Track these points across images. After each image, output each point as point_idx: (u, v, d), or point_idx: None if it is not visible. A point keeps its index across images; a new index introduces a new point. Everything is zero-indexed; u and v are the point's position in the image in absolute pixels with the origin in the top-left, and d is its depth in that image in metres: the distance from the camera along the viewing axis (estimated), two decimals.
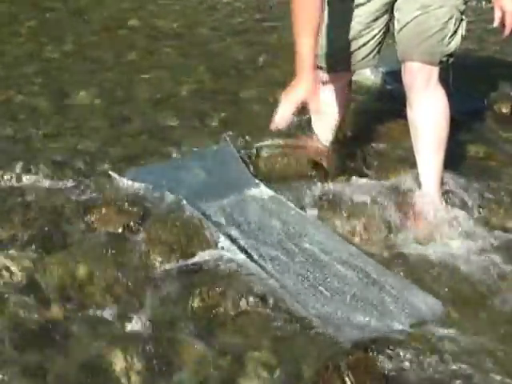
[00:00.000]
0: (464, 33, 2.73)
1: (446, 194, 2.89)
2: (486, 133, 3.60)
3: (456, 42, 2.72)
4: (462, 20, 2.71)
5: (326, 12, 2.70)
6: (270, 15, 5.39)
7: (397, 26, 2.74)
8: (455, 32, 2.69)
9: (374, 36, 2.82)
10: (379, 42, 2.85)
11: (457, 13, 2.68)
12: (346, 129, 3.45)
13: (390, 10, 2.76)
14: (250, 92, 3.92)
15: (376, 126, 3.56)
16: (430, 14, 2.64)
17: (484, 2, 5.54)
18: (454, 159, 3.19)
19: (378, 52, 2.89)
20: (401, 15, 2.71)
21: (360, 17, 2.76)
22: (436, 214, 2.77)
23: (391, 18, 2.80)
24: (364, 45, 2.84)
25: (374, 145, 3.39)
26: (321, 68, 2.83)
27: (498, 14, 2.69)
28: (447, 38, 2.68)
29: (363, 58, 2.89)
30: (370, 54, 2.88)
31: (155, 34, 5.07)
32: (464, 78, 3.98)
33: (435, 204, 2.81)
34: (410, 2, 2.67)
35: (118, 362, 2.13)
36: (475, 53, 4.61)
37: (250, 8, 5.45)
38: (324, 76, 2.92)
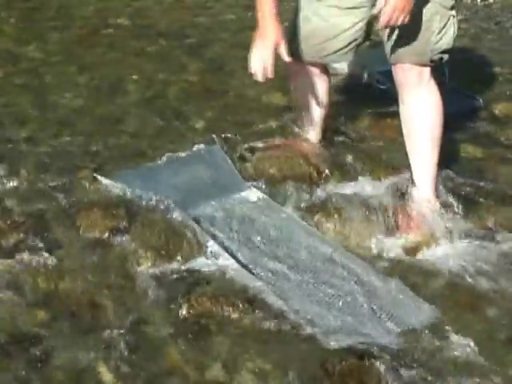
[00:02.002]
0: (456, 29, 2.72)
1: (441, 194, 2.87)
2: (483, 133, 3.57)
3: (447, 39, 2.69)
4: (451, 16, 2.69)
5: None
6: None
7: (382, 31, 2.72)
8: (443, 29, 2.67)
9: (348, 29, 2.79)
10: (355, 39, 2.82)
11: (442, 9, 2.65)
12: (337, 129, 3.44)
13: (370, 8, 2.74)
14: (240, 92, 3.90)
15: (370, 127, 3.54)
16: (412, 13, 2.58)
17: (479, 0, 5.53)
18: (450, 159, 3.19)
19: (353, 49, 2.87)
20: None
21: (334, 8, 2.74)
22: (431, 214, 2.75)
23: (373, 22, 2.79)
24: (337, 36, 2.81)
25: (367, 145, 3.37)
26: (292, 56, 2.79)
27: (381, 2, 2.62)
28: (434, 35, 2.66)
29: (336, 51, 2.86)
30: (343, 48, 2.84)
31: (142, 33, 5.07)
32: (460, 77, 3.98)
33: (430, 203, 2.79)
34: None
35: (104, 371, 2.11)
36: (471, 51, 4.60)
37: (240, 6, 5.45)
38: (297, 66, 2.91)
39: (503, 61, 4.45)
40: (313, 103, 3.11)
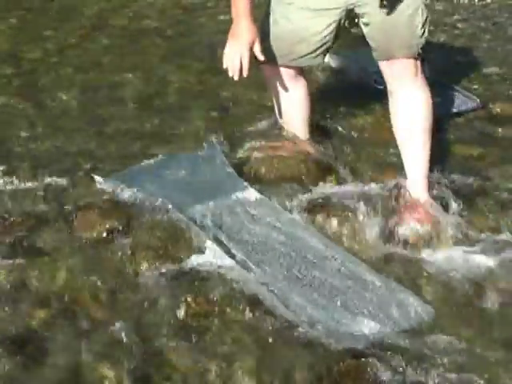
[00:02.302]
0: (428, 27, 2.75)
1: (436, 195, 2.85)
2: (480, 133, 3.58)
3: (427, 32, 2.73)
4: (426, 10, 2.72)
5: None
6: (256, 16, 5.36)
7: (366, 30, 2.74)
8: (425, 22, 2.70)
9: (320, 32, 2.77)
10: (325, 43, 2.81)
11: (422, 4, 2.70)
12: (334, 129, 3.45)
13: (344, 13, 2.74)
14: (237, 93, 3.90)
15: (367, 126, 3.55)
16: (394, 8, 2.63)
17: (477, 0, 5.53)
18: (446, 159, 3.20)
19: (323, 53, 2.86)
20: (367, 18, 2.70)
21: (305, 10, 2.73)
22: (426, 207, 2.75)
23: (347, 24, 2.81)
24: (305, 40, 2.80)
25: (364, 145, 3.37)
26: (265, 59, 2.82)
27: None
28: (419, 29, 2.69)
29: (304, 55, 2.85)
30: (312, 52, 2.84)
31: (140, 33, 5.07)
32: (457, 76, 3.99)
33: (423, 198, 2.78)
34: (372, 3, 2.65)
35: (103, 371, 2.11)
36: (468, 51, 4.60)
37: None
38: (270, 68, 2.93)
39: (501, 60, 4.46)
40: (289, 106, 3.11)
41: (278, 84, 3.03)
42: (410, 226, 2.70)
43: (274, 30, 2.85)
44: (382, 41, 2.71)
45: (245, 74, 2.72)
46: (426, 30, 2.71)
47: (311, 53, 2.84)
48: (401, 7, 2.64)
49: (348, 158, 3.21)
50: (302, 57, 2.87)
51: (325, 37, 2.79)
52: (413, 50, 2.71)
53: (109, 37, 5.02)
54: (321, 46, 2.82)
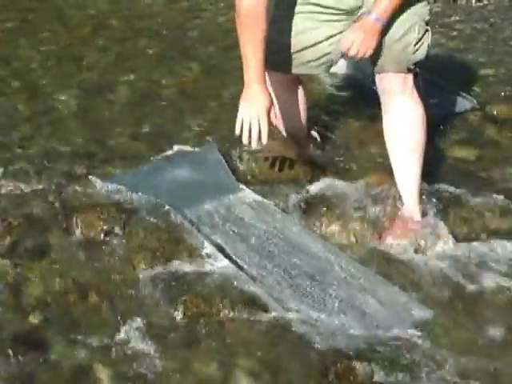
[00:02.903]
0: (430, 43, 2.72)
1: (432, 199, 2.86)
2: (477, 135, 3.57)
3: (422, 50, 2.70)
4: (427, 30, 2.70)
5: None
6: None
7: None
8: (420, 41, 2.68)
9: (322, 42, 2.75)
10: (327, 53, 2.77)
11: (420, 22, 2.67)
12: (331, 131, 3.45)
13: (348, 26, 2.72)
14: (234, 93, 3.87)
15: (363, 128, 3.54)
16: (390, 22, 2.62)
17: (474, 1, 5.53)
18: (443, 162, 3.19)
19: (326, 63, 2.81)
20: None
21: (309, 20, 2.71)
22: (415, 226, 2.73)
23: None
24: (310, 47, 2.77)
25: (360, 147, 3.37)
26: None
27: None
28: (412, 46, 2.67)
29: (307, 62, 2.82)
30: (315, 60, 2.80)
31: (136, 35, 5.07)
32: (454, 78, 3.99)
33: (414, 215, 2.77)
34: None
35: (100, 373, 2.11)
36: (465, 52, 4.60)
37: (233, 8, 5.43)
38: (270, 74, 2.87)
39: (498, 62, 4.46)
40: (286, 110, 3.07)
41: (276, 88, 3.01)
42: (395, 237, 2.70)
43: (280, 39, 2.80)
44: (375, 54, 2.68)
45: (264, 140, 2.64)
46: (422, 48, 2.69)
47: (314, 60, 2.81)
48: (396, 23, 2.63)
49: (344, 159, 3.21)
50: (304, 64, 2.83)
51: (328, 46, 2.76)
52: (402, 65, 2.68)
53: (106, 38, 5.01)
54: (323, 56, 2.78)
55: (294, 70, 2.88)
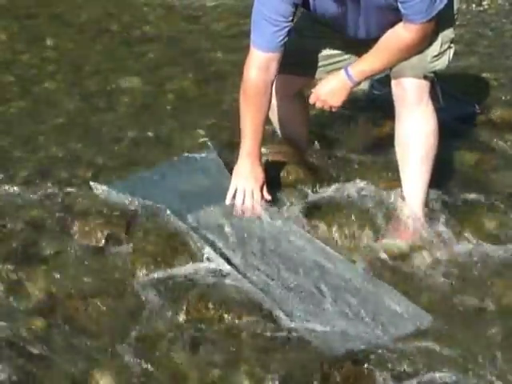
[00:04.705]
0: (451, 58, 2.76)
1: (434, 204, 2.87)
2: (478, 139, 3.58)
3: (441, 62, 2.73)
4: (450, 48, 2.74)
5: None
6: None
7: None
8: (440, 54, 2.71)
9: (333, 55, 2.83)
10: (337, 61, 2.83)
11: (444, 38, 2.71)
12: (332, 135, 3.45)
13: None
14: (235, 99, 3.86)
15: (363, 133, 3.55)
16: None
17: (474, 6, 5.54)
18: (445, 166, 3.19)
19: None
20: None
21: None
22: (420, 233, 2.73)
23: None
24: (316, 55, 2.84)
25: (361, 151, 3.36)
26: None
27: None
28: (430, 56, 2.69)
29: (316, 68, 2.88)
30: (323, 66, 2.87)
31: (137, 41, 5.09)
32: (454, 82, 3.98)
33: (420, 223, 2.76)
34: None
35: (102, 378, 2.11)
36: (466, 57, 4.61)
37: (234, 13, 5.46)
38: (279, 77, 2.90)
39: (498, 66, 4.47)
40: (288, 115, 3.11)
41: (280, 93, 3.02)
42: (398, 242, 2.71)
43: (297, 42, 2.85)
44: None
45: (257, 212, 2.74)
46: (442, 59, 2.71)
47: (322, 67, 2.88)
48: None
49: (346, 164, 3.20)
50: (313, 68, 2.89)
51: (337, 62, 2.83)
52: (418, 70, 2.68)
53: (107, 43, 5.03)
54: (334, 64, 2.85)
55: (303, 72, 2.90)
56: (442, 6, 2.53)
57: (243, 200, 2.75)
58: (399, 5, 2.52)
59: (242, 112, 2.75)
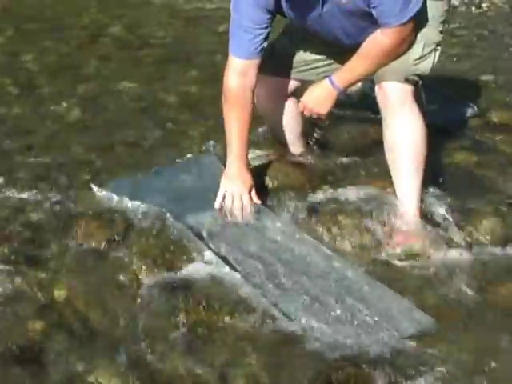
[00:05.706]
0: (436, 61, 2.76)
1: (433, 205, 2.86)
2: (476, 141, 3.57)
3: (425, 65, 2.72)
4: (435, 50, 2.74)
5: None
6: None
7: None
8: (424, 56, 2.71)
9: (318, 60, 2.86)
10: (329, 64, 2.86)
11: (428, 40, 2.70)
12: (330, 137, 3.45)
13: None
14: None
15: (362, 134, 3.54)
16: None
17: (474, 8, 5.55)
18: (443, 168, 3.19)
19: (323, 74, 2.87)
20: None
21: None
22: (420, 235, 2.73)
23: None
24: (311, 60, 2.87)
25: (359, 153, 3.35)
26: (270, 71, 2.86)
27: None
28: (413, 59, 2.69)
29: (303, 71, 2.91)
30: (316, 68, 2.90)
31: (138, 43, 5.09)
32: (454, 84, 3.99)
33: (418, 225, 2.77)
34: None
35: (102, 380, 2.10)
36: (465, 58, 4.61)
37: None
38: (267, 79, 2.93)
39: (497, 68, 4.47)
40: (285, 118, 3.13)
41: (273, 96, 3.03)
42: (397, 244, 2.70)
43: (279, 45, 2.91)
44: None
45: (246, 215, 2.78)
46: (426, 62, 2.71)
47: (312, 69, 2.92)
48: None
49: (344, 167, 3.21)
50: (303, 71, 2.92)
51: (323, 66, 2.87)
52: (399, 75, 2.68)
53: (107, 46, 5.04)
54: (324, 66, 2.88)
55: (295, 75, 2.92)
56: (417, 8, 2.54)
57: (232, 203, 2.79)
58: (372, 10, 2.53)
59: (225, 118, 2.81)
